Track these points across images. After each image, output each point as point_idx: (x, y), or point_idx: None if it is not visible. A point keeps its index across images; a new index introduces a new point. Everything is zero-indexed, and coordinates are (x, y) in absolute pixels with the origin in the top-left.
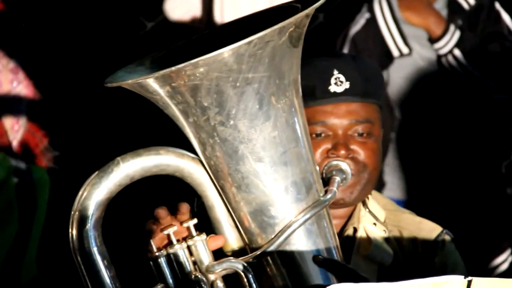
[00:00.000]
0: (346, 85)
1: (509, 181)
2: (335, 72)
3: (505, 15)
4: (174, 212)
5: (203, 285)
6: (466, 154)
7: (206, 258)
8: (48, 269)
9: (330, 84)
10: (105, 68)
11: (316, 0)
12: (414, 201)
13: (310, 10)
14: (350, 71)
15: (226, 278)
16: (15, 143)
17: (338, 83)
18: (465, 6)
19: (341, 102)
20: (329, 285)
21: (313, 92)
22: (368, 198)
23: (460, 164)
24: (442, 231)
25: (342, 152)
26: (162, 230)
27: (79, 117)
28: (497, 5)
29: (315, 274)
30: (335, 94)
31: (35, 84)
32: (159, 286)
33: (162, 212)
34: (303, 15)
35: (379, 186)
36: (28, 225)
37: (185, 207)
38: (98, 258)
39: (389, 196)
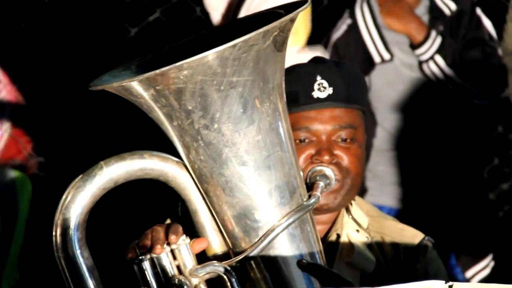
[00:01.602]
0: (329, 90)
1: (492, 186)
2: (318, 78)
3: (486, 21)
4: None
5: None
6: (448, 160)
7: (189, 262)
8: (31, 275)
9: (313, 90)
10: (90, 73)
11: (300, 5)
12: (396, 207)
13: (294, 14)
14: (333, 76)
15: (209, 282)
16: None
17: (321, 89)
18: (447, 12)
19: (324, 108)
20: None
21: (297, 98)
22: (351, 204)
23: (443, 169)
24: (424, 238)
25: (326, 157)
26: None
27: (63, 123)
28: (478, 11)
29: (298, 278)
30: (319, 100)
31: (20, 90)
32: None
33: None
34: (288, 19)
35: (361, 191)
36: (9, 231)
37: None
38: (81, 261)
39: (371, 202)
